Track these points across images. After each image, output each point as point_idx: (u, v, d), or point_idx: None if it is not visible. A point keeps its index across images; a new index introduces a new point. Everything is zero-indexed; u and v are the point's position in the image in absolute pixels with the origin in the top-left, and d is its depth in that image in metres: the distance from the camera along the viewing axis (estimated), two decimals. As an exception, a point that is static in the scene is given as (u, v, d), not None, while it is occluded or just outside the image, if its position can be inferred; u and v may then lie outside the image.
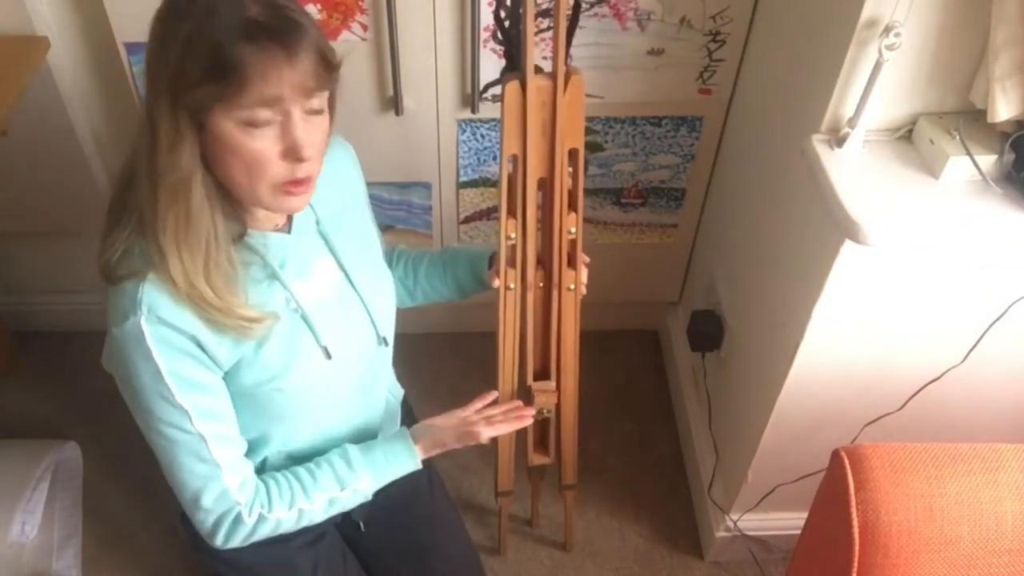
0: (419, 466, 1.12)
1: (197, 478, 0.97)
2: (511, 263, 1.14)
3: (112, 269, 0.89)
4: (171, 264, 0.86)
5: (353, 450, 1.09)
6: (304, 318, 0.99)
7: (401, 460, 1.11)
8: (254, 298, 0.94)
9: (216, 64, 0.79)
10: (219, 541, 1.02)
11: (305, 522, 1.06)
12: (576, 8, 1.05)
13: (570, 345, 1.24)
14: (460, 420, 1.15)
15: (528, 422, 1.22)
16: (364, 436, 1.17)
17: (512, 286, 1.15)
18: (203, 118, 0.82)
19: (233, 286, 0.91)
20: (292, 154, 0.85)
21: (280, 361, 0.98)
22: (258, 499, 1.02)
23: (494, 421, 1.17)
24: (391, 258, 1.28)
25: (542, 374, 1.28)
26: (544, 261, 1.16)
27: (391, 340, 1.16)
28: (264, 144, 0.84)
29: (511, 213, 1.10)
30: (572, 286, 1.16)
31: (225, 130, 0.82)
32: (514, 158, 1.06)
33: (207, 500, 0.98)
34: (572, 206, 1.11)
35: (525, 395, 1.29)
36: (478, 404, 1.18)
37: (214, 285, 0.88)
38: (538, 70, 1.00)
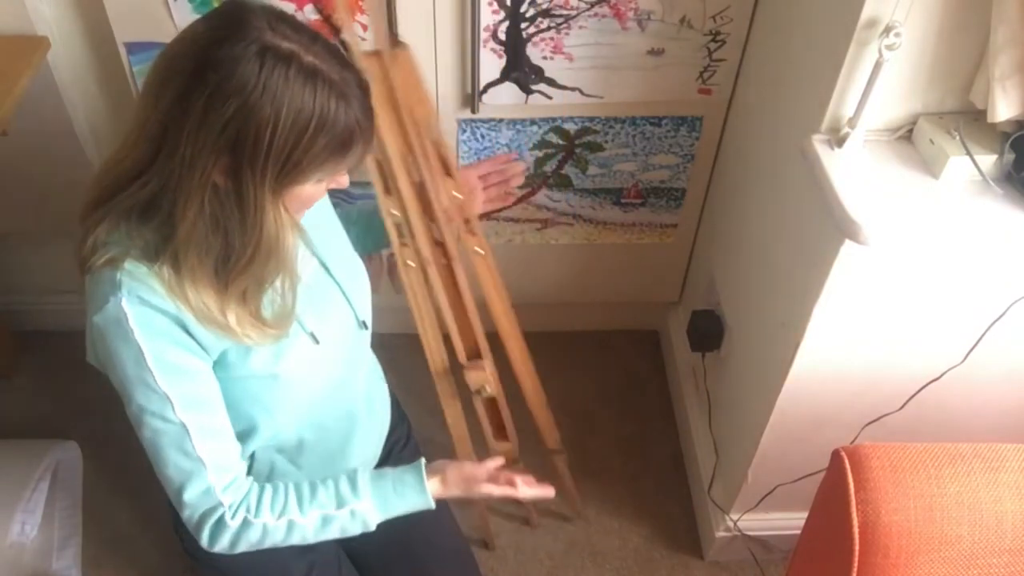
0: (430, 503, 1.04)
1: (181, 473, 0.93)
2: (403, 241, 1.14)
3: (90, 259, 0.89)
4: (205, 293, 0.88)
5: (362, 472, 1.04)
6: None
7: (411, 493, 1.04)
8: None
9: (348, 142, 0.82)
10: (204, 541, 0.97)
11: (296, 538, 1.01)
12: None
13: (501, 310, 1.20)
14: (471, 471, 1.08)
15: (519, 495, 1.10)
16: (347, 423, 1.16)
17: (411, 263, 1.14)
18: (294, 179, 0.84)
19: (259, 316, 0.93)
20: (334, 188, 0.92)
21: (270, 350, 0.97)
22: (245, 503, 0.97)
23: (498, 481, 1.09)
24: (352, 217, 1.28)
25: (477, 353, 1.25)
26: (441, 237, 1.17)
27: (370, 323, 1.15)
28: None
29: (387, 191, 1.11)
30: (479, 250, 1.15)
31: (307, 188, 0.86)
32: None
33: (189, 495, 0.94)
34: (447, 171, 1.12)
35: (461, 377, 1.27)
36: (490, 464, 1.11)
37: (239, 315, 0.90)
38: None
